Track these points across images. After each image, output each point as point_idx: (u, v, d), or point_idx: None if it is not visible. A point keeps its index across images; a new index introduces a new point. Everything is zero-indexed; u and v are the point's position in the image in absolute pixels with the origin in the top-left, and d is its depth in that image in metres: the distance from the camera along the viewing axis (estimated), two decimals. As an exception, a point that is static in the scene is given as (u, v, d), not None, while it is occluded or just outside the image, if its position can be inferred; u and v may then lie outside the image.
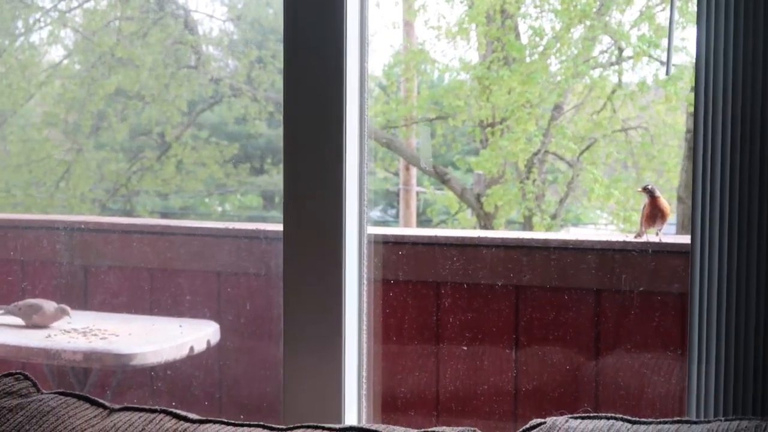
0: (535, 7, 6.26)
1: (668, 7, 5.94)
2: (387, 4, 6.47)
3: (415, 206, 7.64)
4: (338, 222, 2.34)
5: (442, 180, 7.08)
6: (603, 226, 7.37)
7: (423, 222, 7.74)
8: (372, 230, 2.55)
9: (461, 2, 6.40)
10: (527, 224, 6.80)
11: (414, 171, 7.24)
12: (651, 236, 2.86)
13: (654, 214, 2.86)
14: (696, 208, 1.96)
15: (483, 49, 6.55)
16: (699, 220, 1.95)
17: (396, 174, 7.39)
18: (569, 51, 6.15)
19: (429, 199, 7.79)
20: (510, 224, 7.05)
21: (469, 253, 2.90)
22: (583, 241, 2.82)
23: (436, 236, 3.05)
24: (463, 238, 3.00)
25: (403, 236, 3.09)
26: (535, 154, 6.54)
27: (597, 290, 2.77)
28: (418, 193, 7.88)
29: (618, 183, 6.59)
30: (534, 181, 6.61)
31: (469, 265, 2.89)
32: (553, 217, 6.96)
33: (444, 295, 2.89)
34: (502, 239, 3.01)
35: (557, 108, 6.52)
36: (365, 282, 2.43)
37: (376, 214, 8.63)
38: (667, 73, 5.55)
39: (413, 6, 6.48)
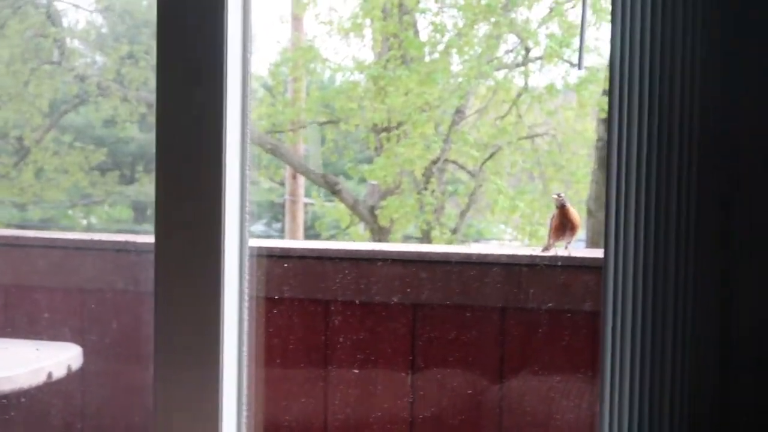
0: (436, 1, 6.30)
1: (579, 4, 6.03)
2: (273, -5, 6.45)
3: (303, 219, 7.62)
4: (216, 233, 2.28)
5: (333, 190, 7.08)
6: (507, 241, 7.44)
7: (311, 236, 7.72)
8: (255, 242, 2.52)
9: (355, -6, 6.42)
10: (425, 239, 6.83)
11: (302, 180, 7.22)
12: (560, 249, 2.88)
13: (563, 225, 2.88)
14: (610, 219, 1.97)
15: (378, 47, 6.56)
16: (613, 232, 1.96)
17: (282, 184, 7.36)
18: (472, 50, 6.19)
19: (318, 212, 7.78)
20: (406, 239, 7.08)
21: (363, 267, 2.89)
22: (487, 255, 2.82)
23: (326, 249, 3.02)
24: (356, 251, 2.99)
25: (289, 249, 3.06)
26: (434, 162, 6.57)
27: (502, 308, 2.78)
28: (306, 205, 7.86)
29: (523, 195, 6.65)
30: (433, 192, 6.64)
31: (363, 280, 2.87)
32: (454, 231, 7.00)
33: (334, 312, 2.87)
34: (399, 252, 3.00)
35: (459, 112, 6.57)
36: (246, 299, 2.40)
37: (259, 227, 8.59)
38: (579, 67, 5.63)
39: (302, -2, 6.48)
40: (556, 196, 2.94)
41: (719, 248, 1.90)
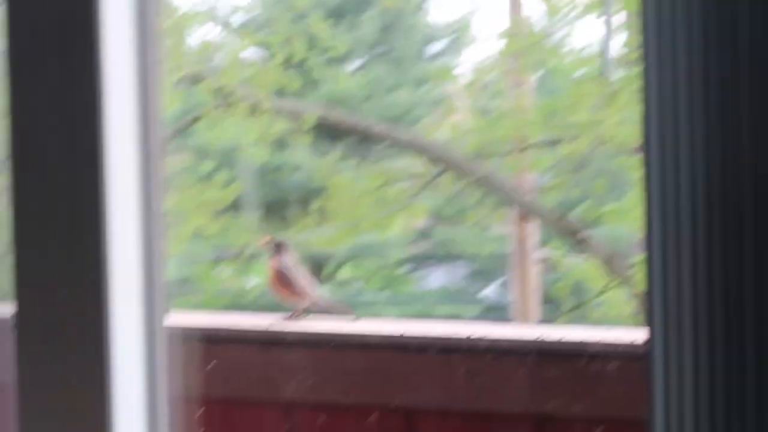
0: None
1: None
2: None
3: (537, 280, 6.98)
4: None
5: (576, 240, 6.37)
6: None
7: (547, 304, 7.05)
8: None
9: None
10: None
11: (532, 226, 6.52)
12: None
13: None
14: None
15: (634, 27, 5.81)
16: None
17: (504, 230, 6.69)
18: None
19: (559, 270, 7.13)
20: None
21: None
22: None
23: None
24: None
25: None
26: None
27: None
28: (540, 260, 7.21)
29: None
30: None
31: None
32: None
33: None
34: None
35: None
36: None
37: (489, 291, 8.05)
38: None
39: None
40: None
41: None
